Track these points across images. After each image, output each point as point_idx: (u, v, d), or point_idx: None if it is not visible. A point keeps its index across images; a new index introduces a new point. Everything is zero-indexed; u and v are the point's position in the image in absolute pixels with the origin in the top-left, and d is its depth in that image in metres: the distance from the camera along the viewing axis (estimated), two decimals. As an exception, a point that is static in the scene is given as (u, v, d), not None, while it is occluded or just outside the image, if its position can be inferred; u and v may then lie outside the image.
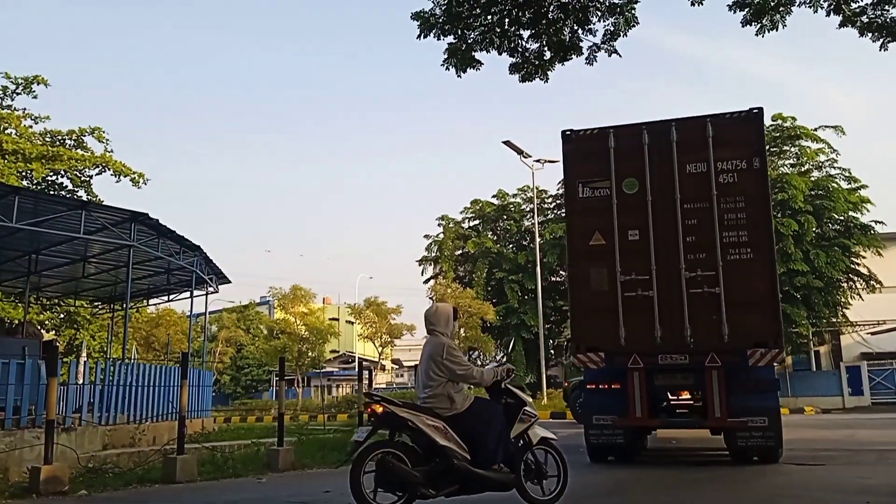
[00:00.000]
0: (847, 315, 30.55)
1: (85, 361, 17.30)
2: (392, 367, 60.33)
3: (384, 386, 51.42)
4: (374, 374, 37.87)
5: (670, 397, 9.96)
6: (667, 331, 9.05)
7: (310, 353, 37.59)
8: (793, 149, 31.19)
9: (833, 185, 30.18)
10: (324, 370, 48.42)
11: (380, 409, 5.39)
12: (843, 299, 30.03)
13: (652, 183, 9.43)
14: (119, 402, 13.53)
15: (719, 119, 9.44)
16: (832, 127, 30.22)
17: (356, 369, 14.19)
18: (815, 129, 30.49)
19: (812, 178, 30.44)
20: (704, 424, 9.62)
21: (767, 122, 30.96)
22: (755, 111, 9.40)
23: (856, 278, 30.24)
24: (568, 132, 9.94)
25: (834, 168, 30.76)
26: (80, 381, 13.67)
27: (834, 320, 30.38)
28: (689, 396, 9.88)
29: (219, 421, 24.93)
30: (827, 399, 28.57)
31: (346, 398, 36.30)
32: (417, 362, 6.05)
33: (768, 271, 9.06)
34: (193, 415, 16.88)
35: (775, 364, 9.21)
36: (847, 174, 30.51)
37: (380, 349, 40.35)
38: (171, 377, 15.27)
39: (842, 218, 30.20)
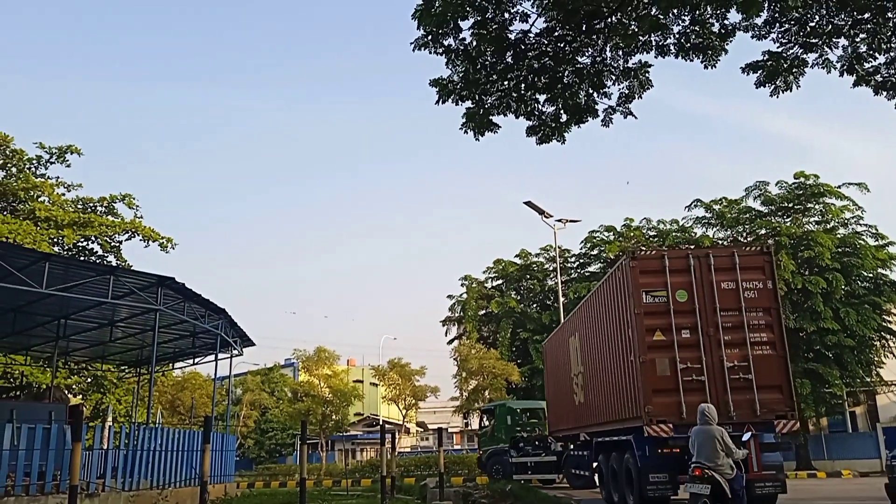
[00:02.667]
0: (881, 374, 29.80)
1: (110, 426, 17.36)
2: (417, 431, 59.57)
3: (409, 450, 50.66)
4: (398, 437, 37.56)
5: None
6: (715, 407, 11.22)
7: (334, 416, 37.29)
8: (817, 206, 30.97)
9: (860, 241, 29.84)
10: (348, 433, 47.92)
11: (709, 473, 8.32)
12: (876, 358, 29.36)
13: (697, 294, 12.24)
14: (142, 468, 13.49)
15: (742, 251, 12.80)
16: (856, 184, 30.04)
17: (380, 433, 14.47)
18: (839, 187, 30.34)
19: (838, 235, 30.14)
20: (749, 476, 10.96)
21: (789, 179, 31.05)
22: (767, 247, 12.86)
23: (888, 336, 29.62)
24: (633, 253, 12.94)
25: (860, 225, 30.49)
26: (105, 446, 13.68)
27: (868, 379, 29.64)
28: None
29: (242, 486, 24.68)
30: (864, 462, 27.62)
31: (370, 462, 35.82)
32: (692, 441, 8.87)
33: (783, 362, 11.85)
34: (216, 480, 16.77)
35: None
36: (874, 231, 30.20)
37: (404, 411, 39.99)
38: (194, 442, 15.23)
39: (871, 275, 29.78)
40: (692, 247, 31.40)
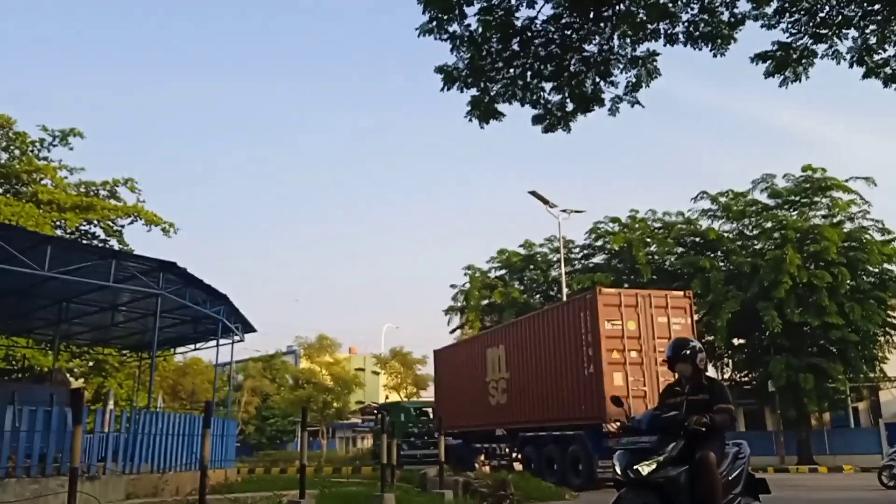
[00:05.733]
0: (885, 370, 29.73)
1: (111, 410, 17.40)
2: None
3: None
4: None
5: None
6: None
7: (335, 404, 37.41)
8: (824, 200, 30.75)
9: (866, 236, 29.58)
10: (348, 422, 48.05)
11: None
12: (879, 353, 29.27)
13: (642, 325, 16.78)
14: (143, 451, 13.51)
15: (671, 294, 17.81)
16: (863, 178, 29.67)
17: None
18: (846, 181, 30.01)
19: (844, 230, 29.93)
20: None
21: (797, 172, 30.81)
22: (687, 293, 18.02)
23: (892, 332, 29.50)
24: (599, 290, 17.43)
25: (866, 220, 30.19)
26: (106, 430, 13.70)
27: (871, 375, 29.56)
28: None
29: (242, 472, 24.73)
30: (866, 457, 27.47)
31: (370, 450, 35.93)
32: None
33: None
34: (216, 465, 16.79)
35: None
36: (880, 226, 29.92)
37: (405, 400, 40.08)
38: (195, 426, 15.24)
39: (876, 270, 29.58)
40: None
